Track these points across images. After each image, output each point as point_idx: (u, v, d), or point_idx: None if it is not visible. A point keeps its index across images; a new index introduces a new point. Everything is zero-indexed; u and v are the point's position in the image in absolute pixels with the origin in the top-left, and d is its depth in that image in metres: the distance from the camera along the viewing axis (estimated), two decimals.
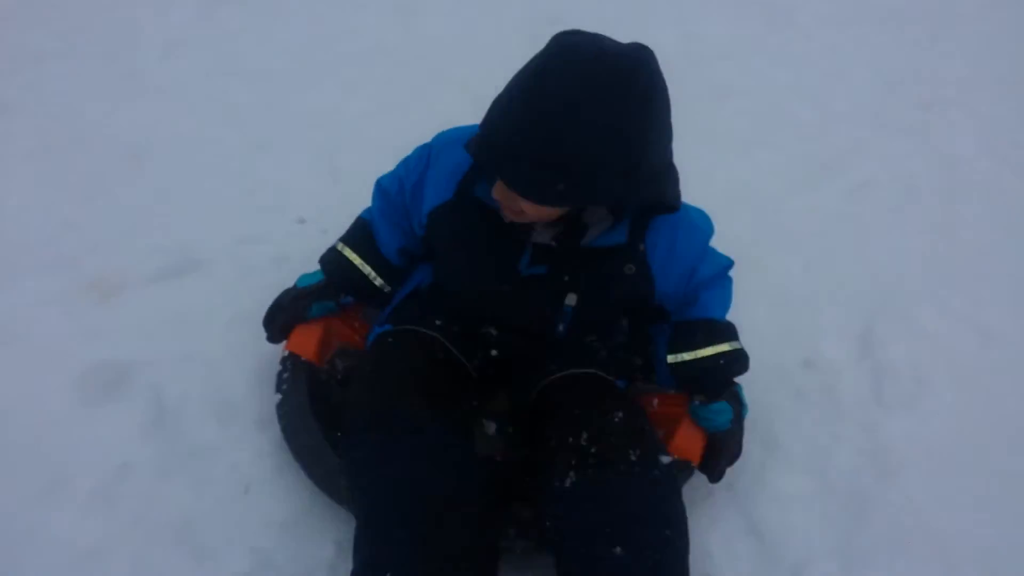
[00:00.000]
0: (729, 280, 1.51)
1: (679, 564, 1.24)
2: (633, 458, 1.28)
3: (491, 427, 1.60)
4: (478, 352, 1.49)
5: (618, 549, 1.19)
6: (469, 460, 1.31)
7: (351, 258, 1.54)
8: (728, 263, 1.50)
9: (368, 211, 1.60)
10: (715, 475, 1.51)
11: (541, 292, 1.38)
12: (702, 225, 1.44)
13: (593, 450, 1.28)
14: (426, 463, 1.25)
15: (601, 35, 1.11)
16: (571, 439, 1.30)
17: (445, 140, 1.43)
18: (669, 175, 1.26)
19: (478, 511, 1.26)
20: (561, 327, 1.42)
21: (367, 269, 1.53)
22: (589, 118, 1.05)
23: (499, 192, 1.20)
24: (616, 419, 1.34)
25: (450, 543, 1.19)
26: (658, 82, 1.10)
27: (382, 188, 1.53)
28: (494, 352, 1.48)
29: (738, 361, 1.47)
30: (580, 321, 1.41)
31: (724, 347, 1.45)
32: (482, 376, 1.50)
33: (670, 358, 1.46)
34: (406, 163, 1.49)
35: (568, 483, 1.26)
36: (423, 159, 1.44)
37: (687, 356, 1.45)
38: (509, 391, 1.57)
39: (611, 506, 1.24)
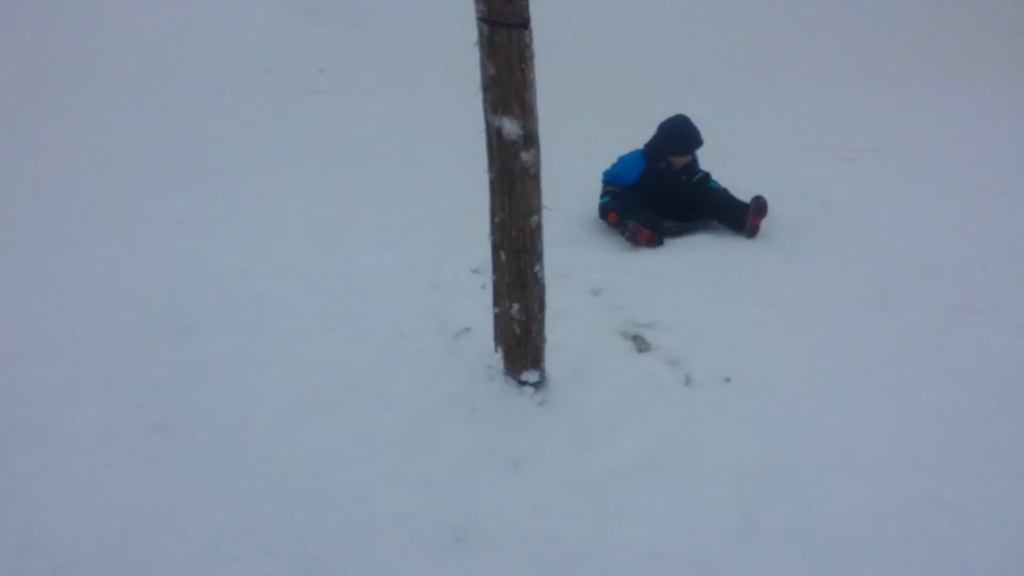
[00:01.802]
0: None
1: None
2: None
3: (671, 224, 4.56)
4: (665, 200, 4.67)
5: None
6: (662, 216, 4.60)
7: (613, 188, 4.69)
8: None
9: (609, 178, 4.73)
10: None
11: (683, 183, 4.61)
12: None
13: (712, 191, 4.62)
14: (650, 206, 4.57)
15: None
16: (703, 197, 4.60)
17: (631, 155, 4.70)
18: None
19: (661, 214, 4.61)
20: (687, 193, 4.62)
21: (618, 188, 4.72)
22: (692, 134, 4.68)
23: (677, 161, 4.62)
24: (717, 190, 4.59)
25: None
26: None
27: (612, 174, 4.65)
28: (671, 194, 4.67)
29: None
30: (695, 189, 4.59)
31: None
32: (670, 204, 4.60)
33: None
34: (621, 162, 4.67)
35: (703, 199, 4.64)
36: (624, 163, 4.65)
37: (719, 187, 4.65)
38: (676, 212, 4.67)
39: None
